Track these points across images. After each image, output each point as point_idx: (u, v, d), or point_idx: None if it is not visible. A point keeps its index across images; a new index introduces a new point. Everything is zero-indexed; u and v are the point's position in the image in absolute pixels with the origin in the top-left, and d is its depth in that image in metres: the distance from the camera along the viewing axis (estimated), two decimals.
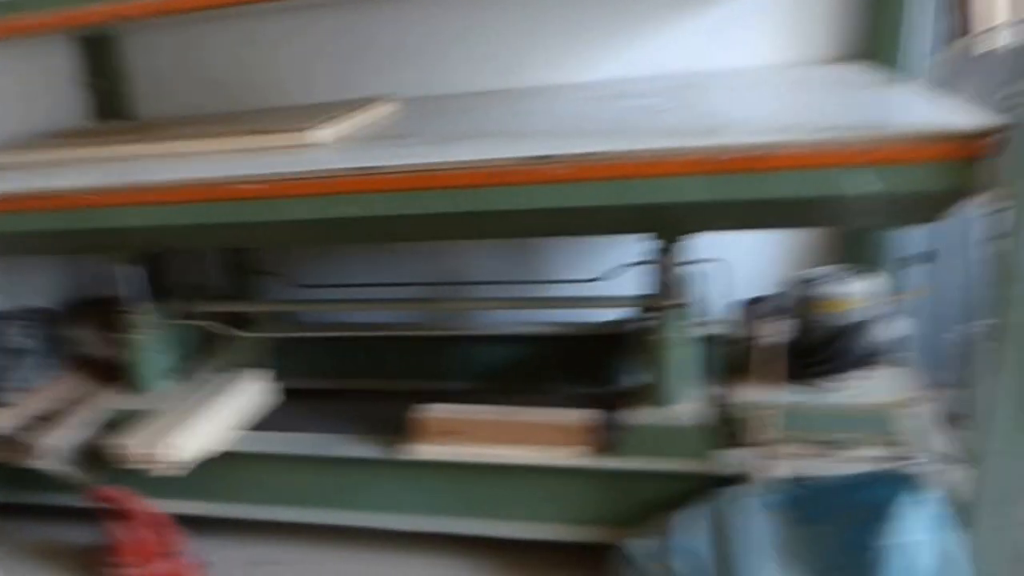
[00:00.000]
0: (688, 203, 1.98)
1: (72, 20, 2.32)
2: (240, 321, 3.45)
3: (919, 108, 2.15)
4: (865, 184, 1.82)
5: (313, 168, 2.20)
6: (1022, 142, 1.68)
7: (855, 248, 3.21)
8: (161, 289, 3.26)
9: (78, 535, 3.06)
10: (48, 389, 3.15)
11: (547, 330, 3.40)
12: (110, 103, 3.85)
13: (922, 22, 2.90)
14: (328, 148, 2.52)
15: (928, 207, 1.98)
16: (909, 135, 1.81)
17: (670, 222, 2.36)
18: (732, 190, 1.92)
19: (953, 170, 1.78)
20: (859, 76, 2.77)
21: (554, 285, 3.38)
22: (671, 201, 1.99)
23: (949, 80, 2.41)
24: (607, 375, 3.19)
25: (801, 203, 1.96)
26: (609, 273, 2.99)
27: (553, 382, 3.34)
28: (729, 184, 1.91)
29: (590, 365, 3.28)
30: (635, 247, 2.58)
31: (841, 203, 1.90)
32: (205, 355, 3.32)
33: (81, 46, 3.74)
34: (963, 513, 2.04)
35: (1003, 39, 2.38)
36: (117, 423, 2.91)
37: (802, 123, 2.01)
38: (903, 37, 2.90)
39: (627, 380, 2.90)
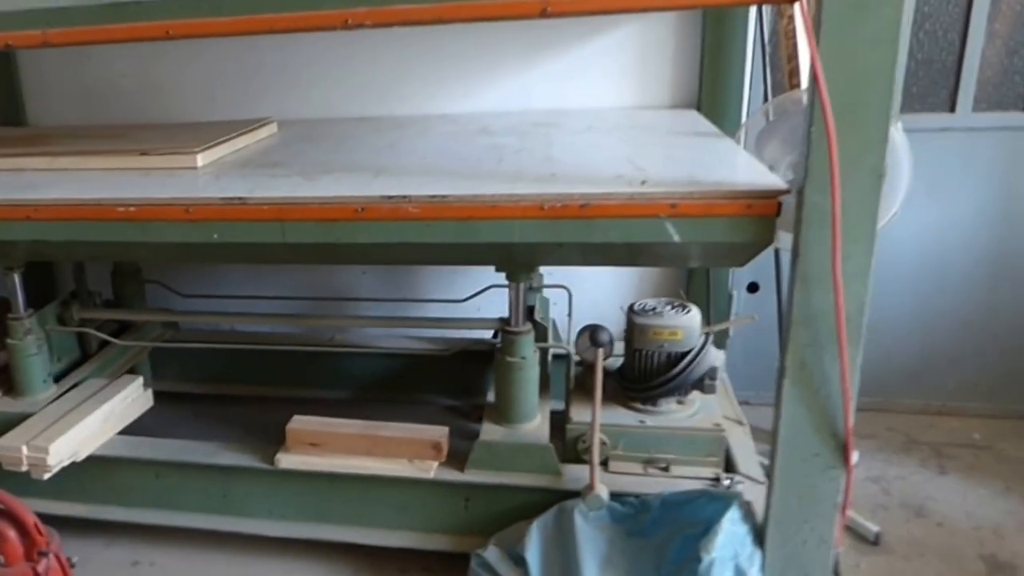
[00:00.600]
0: (525, 243, 2.19)
1: None
2: (121, 328, 3.59)
3: (729, 163, 2.39)
4: (673, 234, 2.05)
5: (182, 196, 2.35)
6: (796, 205, 1.93)
7: (691, 279, 3.54)
8: (43, 295, 3.37)
9: None
10: None
11: (416, 347, 3.56)
12: (4, 108, 3.94)
13: (744, 79, 3.27)
14: (204, 172, 2.68)
15: (738, 253, 2.22)
16: (712, 192, 2.05)
17: (515, 257, 2.55)
18: (562, 233, 2.13)
19: (750, 224, 2.02)
20: (689, 125, 3.04)
21: (425, 304, 3.61)
22: (511, 240, 2.18)
23: (761, 135, 2.67)
24: (471, 391, 3.39)
25: (622, 247, 2.18)
26: (474, 295, 3.22)
27: (422, 395, 3.52)
28: (560, 228, 2.13)
29: (456, 381, 3.47)
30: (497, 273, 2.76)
31: (656, 248, 2.15)
32: (85, 360, 3.40)
33: None
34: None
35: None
36: None
37: (627, 174, 2.25)
38: (728, 91, 3.26)
39: (488, 397, 3.08)
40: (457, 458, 2.77)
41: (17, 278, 3.01)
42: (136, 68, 3.82)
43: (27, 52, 3.86)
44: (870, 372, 3.58)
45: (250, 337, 3.77)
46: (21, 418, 2.96)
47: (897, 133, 2.42)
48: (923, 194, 3.40)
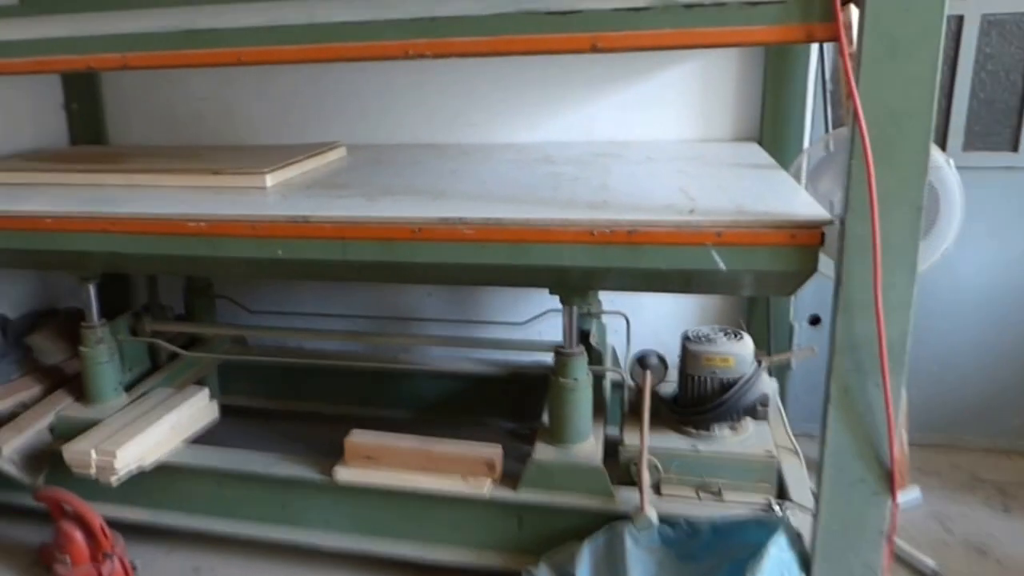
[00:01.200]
0: (578, 267, 2.27)
1: (51, 66, 2.58)
2: (193, 340, 3.74)
3: (781, 195, 2.43)
4: (719, 261, 2.12)
5: (251, 213, 2.49)
6: (839, 236, 1.99)
7: (752, 310, 3.58)
8: (121, 304, 3.53)
9: (22, 533, 3.23)
10: (5, 392, 3.31)
11: (476, 368, 3.66)
12: (88, 127, 4.14)
13: (806, 113, 3.33)
14: (273, 192, 2.81)
15: (782, 281, 2.27)
16: (757, 222, 2.11)
17: (568, 281, 2.61)
18: (612, 258, 2.21)
19: (793, 253, 2.08)
20: (747, 158, 3.09)
21: (487, 326, 3.71)
22: (561, 264, 2.27)
23: (818, 167, 2.72)
24: (529, 414, 3.45)
25: (672, 273, 2.25)
26: (533, 318, 3.31)
27: (480, 417, 3.60)
28: (609, 253, 2.21)
29: (514, 404, 3.55)
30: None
31: (708, 275, 2.22)
32: (154, 371, 3.55)
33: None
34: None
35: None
36: (67, 429, 3.11)
37: (679, 203, 2.33)
38: (791, 125, 3.32)
39: (544, 418, 3.15)
40: (511, 477, 2.83)
41: (92, 289, 3.15)
42: (212, 92, 4.00)
43: (110, 75, 4.06)
44: (935, 410, 3.65)
45: (315, 354, 3.87)
46: (91, 424, 3.08)
47: (950, 170, 2.46)
48: (985, 232, 3.43)
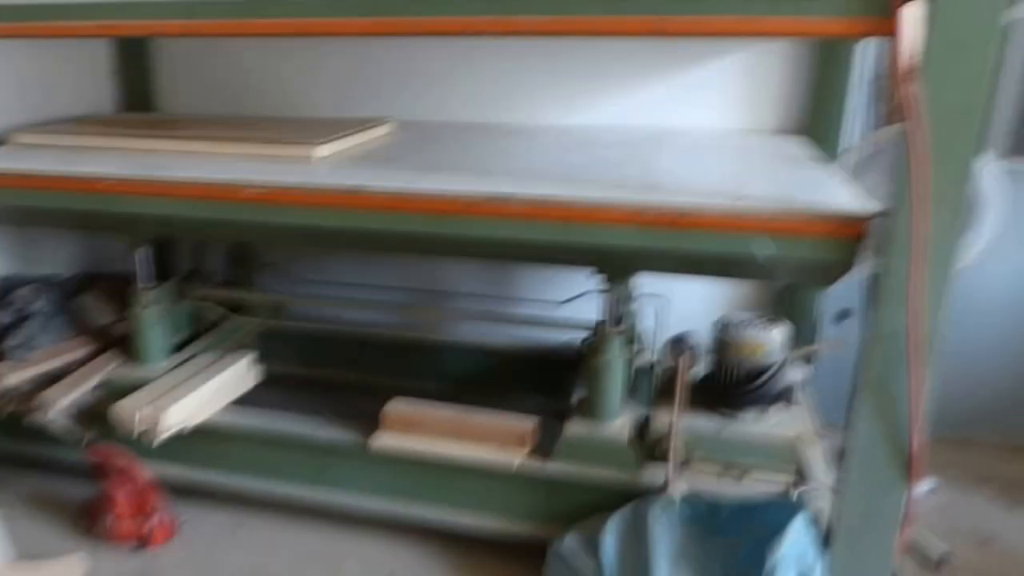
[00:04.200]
0: (623, 248, 2.30)
1: (110, 30, 2.58)
2: (236, 306, 3.80)
3: (826, 188, 2.45)
4: (766, 249, 2.16)
5: (305, 181, 2.54)
6: (887, 230, 2.02)
7: (783, 299, 3.61)
8: (166, 270, 3.57)
9: (71, 488, 3.29)
10: (55, 351, 3.37)
11: (513, 344, 3.71)
12: (137, 95, 4.17)
13: (854, 108, 3.32)
14: (325, 163, 2.85)
15: (823, 272, 2.30)
16: (804, 212, 2.14)
17: (611, 261, 2.65)
18: (658, 241, 2.24)
19: (836, 245, 2.12)
20: (793, 150, 3.10)
21: (523, 303, 3.75)
22: (609, 244, 2.30)
23: (863, 164, 2.75)
24: (563, 389, 3.46)
25: (716, 258, 2.28)
26: (573, 298, 3.34)
27: (513, 393, 3.59)
28: (656, 236, 2.24)
29: (547, 381, 3.56)
30: (593, 278, 2.85)
31: (750, 262, 2.25)
32: (200, 334, 3.61)
33: (114, 40, 4.06)
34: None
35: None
36: (115, 388, 3.16)
37: (726, 190, 2.35)
38: (835, 120, 3.32)
39: (579, 395, 3.19)
40: (543, 450, 2.87)
41: (144, 252, 3.19)
42: (263, 63, 4.02)
43: (160, 43, 4.10)
44: (952, 406, 3.64)
45: (354, 325, 3.93)
46: (139, 384, 3.14)
47: (988, 173, 2.48)
48: (1018, 238, 3.44)
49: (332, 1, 2.32)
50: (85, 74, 4.06)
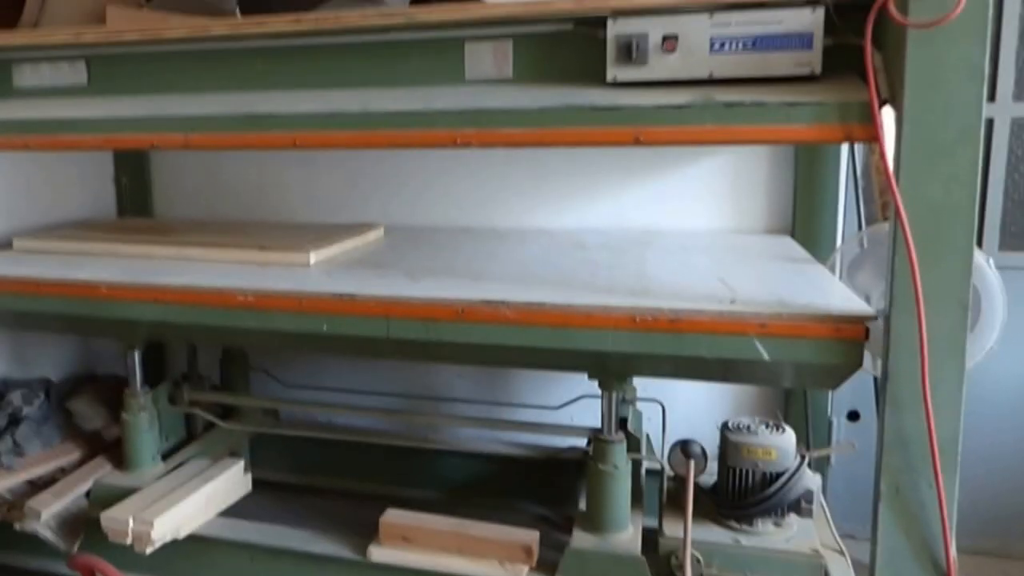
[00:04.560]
0: (617, 352, 2.27)
1: (115, 143, 2.66)
2: (228, 411, 3.76)
3: (820, 288, 2.44)
4: (762, 352, 2.12)
5: (298, 288, 2.54)
6: (884, 331, 1.99)
7: (789, 403, 3.55)
8: (159, 373, 3.56)
9: None
10: (45, 456, 3.32)
11: (508, 450, 3.63)
12: (137, 200, 4.24)
13: (838, 208, 3.34)
14: (316, 269, 2.85)
15: (825, 374, 2.25)
16: (800, 314, 2.12)
17: (607, 365, 2.61)
18: (654, 345, 2.22)
19: (836, 346, 2.08)
20: (782, 250, 3.10)
21: (521, 407, 3.70)
22: (603, 349, 2.27)
23: (854, 263, 2.73)
24: (561, 499, 3.41)
25: (712, 362, 2.23)
26: (569, 402, 3.30)
27: (511, 501, 3.53)
28: (651, 340, 2.21)
29: (546, 488, 3.49)
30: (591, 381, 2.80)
31: (746, 365, 2.22)
32: (190, 439, 3.56)
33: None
34: None
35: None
36: (105, 495, 3.10)
37: (719, 292, 2.34)
38: (824, 218, 3.33)
39: (579, 504, 3.11)
40: (547, 565, 2.76)
41: (137, 357, 3.18)
42: (255, 171, 4.08)
43: (158, 152, 4.16)
44: (987, 515, 3.56)
45: (346, 431, 3.86)
46: (129, 491, 3.07)
47: (989, 269, 2.46)
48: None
49: (325, 115, 2.38)
50: (89, 179, 4.14)
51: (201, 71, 2.76)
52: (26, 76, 2.97)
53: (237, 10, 2.70)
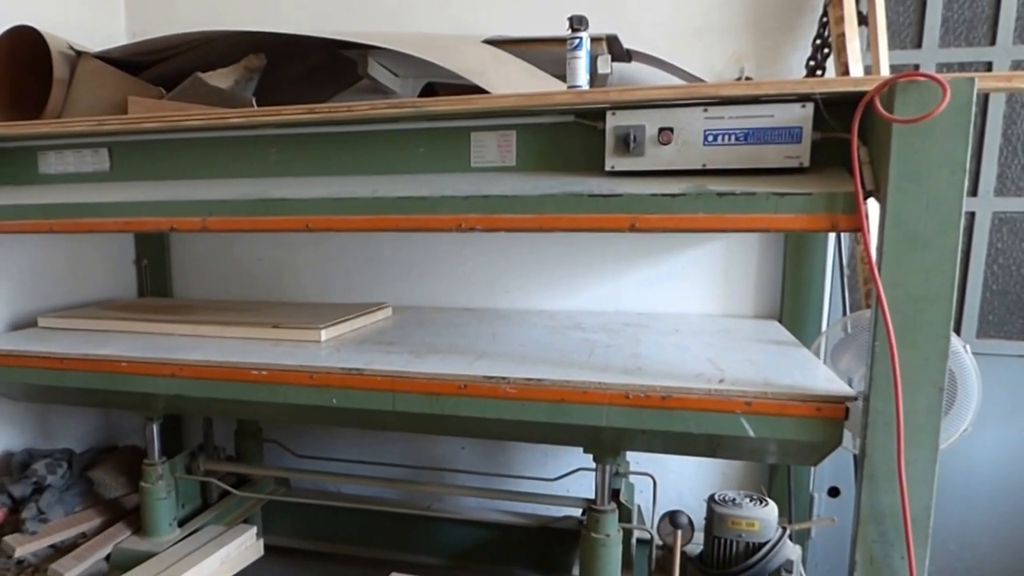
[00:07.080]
0: (611, 427, 2.27)
1: (136, 226, 2.66)
2: (242, 479, 3.74)
3: (804, 370, 2.43)
4: (748, 429, 2.13)
5: (309, 363, 2.55)
6: (863, 411, 1.99)
7: (773, 478, 3.52)
8: (177, 443, 3.54)
9: None
10: (67, 523, 3.29)
11: (508, 519, 3.58)
12: (156, 280, 4.27)
13: (824, 295, 3.36)
14: (327, 346, 2.86)
15: (807, 451, 2.25)
16: (784, 394, 2.12)
17: (601, 440, 2.61)
18: (645, 421, 2.22)
19: (818, 425, 2.08)
20: (768, 334, 3.10)
21: (520, 479, 3.67)
22: (598, 424, 2.27)
23: (838, 347, 2.74)
24: (558, 567, 3.38)
25: (700, 438, 2.23)
26: (565, 475, 3.28)
27: (510, 568, 3.51)
28: (642, 416, 2.22)
29: (543, 556, 3.45)
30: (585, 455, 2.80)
31: (733, 441, 2.21)
32: (206, 506, 3.53)
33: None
34: None
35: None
36: (123, 560, 3.09)
37: (708, 371, 2.34)
38: (808, 306, 3.35)
39: (573, 571, 3.07)
40: None
41: (156, 428, 3.19)
42: (268, 253, 4.11)
43: (177, 235, 4.20)
44: None
45: (354, 499, 3.84)
46: (146, 556, 3.06)
47: (966, 355, 2.46)
48: (1004, 416, 3.38)
49: (336, 200, 2.40)
50: (111, 261, 4.17)
51: (218, 158, 2.81)
52: (51, 163, 3.03)
53: (253, 100, 2.73)
